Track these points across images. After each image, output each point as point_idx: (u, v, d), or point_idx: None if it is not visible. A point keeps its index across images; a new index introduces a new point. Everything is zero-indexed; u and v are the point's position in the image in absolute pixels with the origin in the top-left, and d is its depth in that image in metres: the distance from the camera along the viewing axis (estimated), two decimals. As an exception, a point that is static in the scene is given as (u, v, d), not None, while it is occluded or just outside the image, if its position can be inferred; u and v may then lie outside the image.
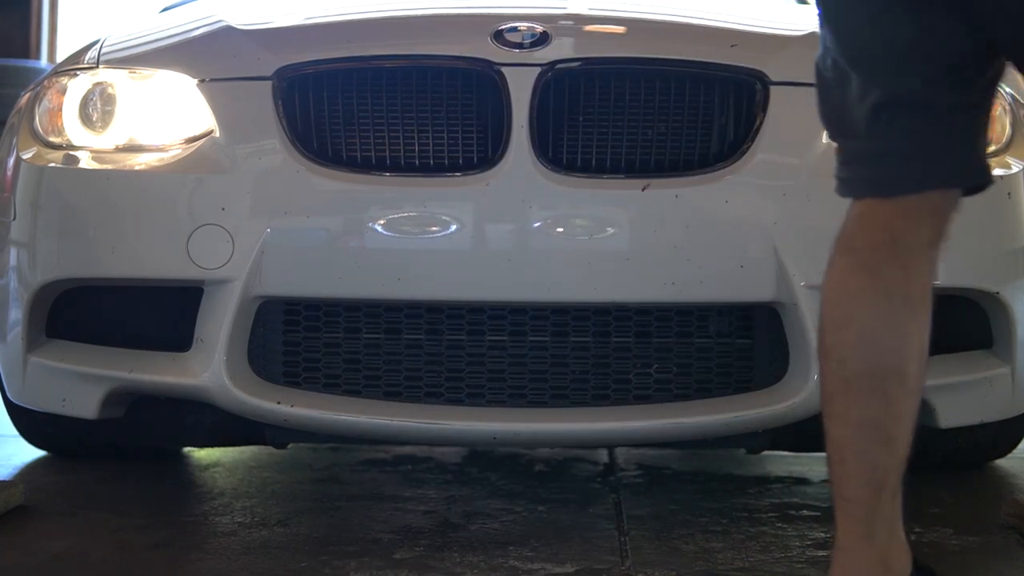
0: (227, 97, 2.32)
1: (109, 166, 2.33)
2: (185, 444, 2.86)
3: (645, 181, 2.24)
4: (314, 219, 2.25)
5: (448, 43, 2.34)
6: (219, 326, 2.24)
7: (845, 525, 1.57)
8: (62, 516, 2.37)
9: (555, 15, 2.40)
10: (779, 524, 2.37)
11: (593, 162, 2.26)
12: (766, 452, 2.76)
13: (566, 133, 2.27)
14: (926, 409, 2.36)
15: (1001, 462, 2.93)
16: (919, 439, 2.68)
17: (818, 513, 2.46)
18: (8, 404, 2.67)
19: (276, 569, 2.04)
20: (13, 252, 2.39)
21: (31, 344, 2.38)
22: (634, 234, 2.22)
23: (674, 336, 2.30)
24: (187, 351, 2.30)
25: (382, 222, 2.23)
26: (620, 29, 2.46)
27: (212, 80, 2.33)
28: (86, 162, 2.35)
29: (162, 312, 2.36)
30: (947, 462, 2.85)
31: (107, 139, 2.38)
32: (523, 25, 2.31)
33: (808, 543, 2.24)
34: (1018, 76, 2.39)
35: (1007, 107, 2.43)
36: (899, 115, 1.50)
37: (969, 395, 2.38)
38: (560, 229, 2.22)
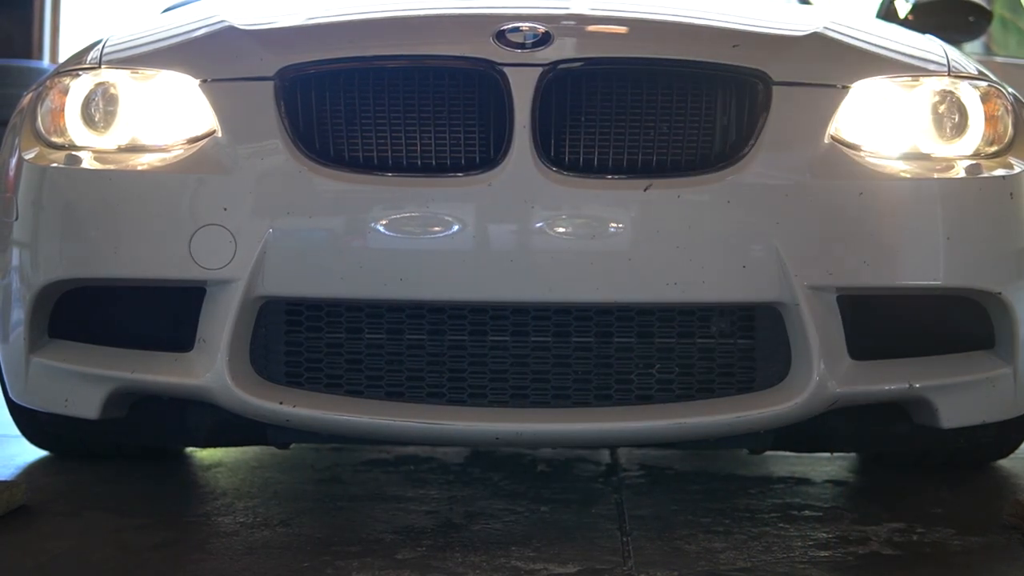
0: (229, 97, 2.32)
1: (111, 166, 2.33)
2: (187, 444, 2.86)
3: (647, 181, 2.24)
4: (316, 219, 2.25)
5: (450, 43, 2.34)
6: (221, 326, 2.24)
7: None
8: (64, 516, 2.37)
9: (557, 15, 2.40)
10: (781, 524, 2.37)
11: (595, 162, 2.26)
12: (768, 452, 2.77)
13: (568, 133, 2.26)
14: (928, 409, 2.37)
15: (1003, 462, 2.93)
16: (921, 439, 2.70)
17: (820, 513, 2.46)
18: (10, 404, 2.67)
19: (278, 569, 2.04)
20: (15, 252, 2.39)
21: (33, 344, 2.38)
22: (636, 234, 2.22)
23: (676, 336, 2.30)
24: (189, 351, 2.30)
25: (384, 222, 2.23)
26: (622, 29, 2.46)
27: (214, 80, 2.33)
28: (88, 162, 2.35)
29: (164, 312, 2.36)
30: (949, 462, 2.85)
31: (109, 139, 2.38)
32: (525, 25, 2.31)
33: (810, 543, 2.24)
34: None
35: (1009, 107, 2.43)
36: None
37: (971, 395, 2.38)
38: (562, 229, 2.22)
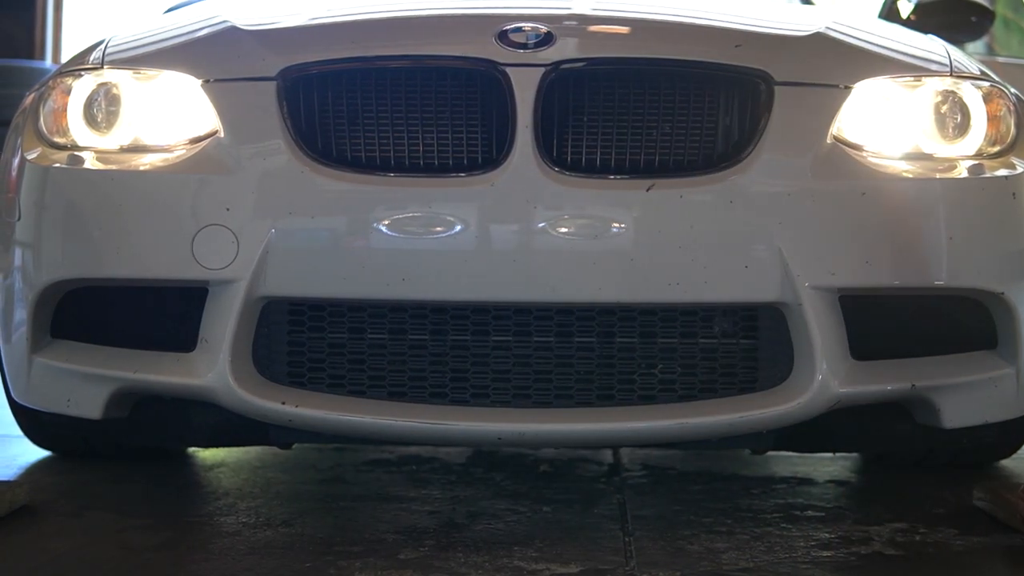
0: (231, 97, 2.32)
1: (113, 166, 2.33)
2: (189, 444, 2.86)
3: (649, 181, 2.23)
4: (318, 219, 2.25)
5: (452, 43, 2.34)
6: (224, 326, 2.25)
7: None
8: (66, 516, 2.37)
9: (559, 15, 2.40)
10: (784, 524, 2.37)
11: (597, 162, 2.26)
12: (771, 452, 2.77)
13: (570, 133, 2.27)
14: (930, 409, 2.37)
15: (1005, 462, 2.93)
16: (923, 440, 2.70)
17: (823, 514, 2.46)
18: (13, 404, 2.68)
19: (280, 569, 2.04)
20: (18, 252, 2.39)
21: (36, 344, 2.38)
22: (638, 234, 2.22)
23: (679, 336, 2.30)
24: (191, 351, 2.30)
25: (386, 222, 2.23)
26: (624, 29, 2.46)
27: (216, 80, 2.33)
28: (90, 162, 2.35)
29: (166, 312, 2.36)
30: (951, 462, 2.85)
31: (112, 139, 2.38)
32: (527, 25, 2.31)
33: (813, 543, 2.24)
34: None
35: (1012, 107, 2.43)
36: None
37: (973, 395, 2.38)
38: (564, 229, 2.22)
